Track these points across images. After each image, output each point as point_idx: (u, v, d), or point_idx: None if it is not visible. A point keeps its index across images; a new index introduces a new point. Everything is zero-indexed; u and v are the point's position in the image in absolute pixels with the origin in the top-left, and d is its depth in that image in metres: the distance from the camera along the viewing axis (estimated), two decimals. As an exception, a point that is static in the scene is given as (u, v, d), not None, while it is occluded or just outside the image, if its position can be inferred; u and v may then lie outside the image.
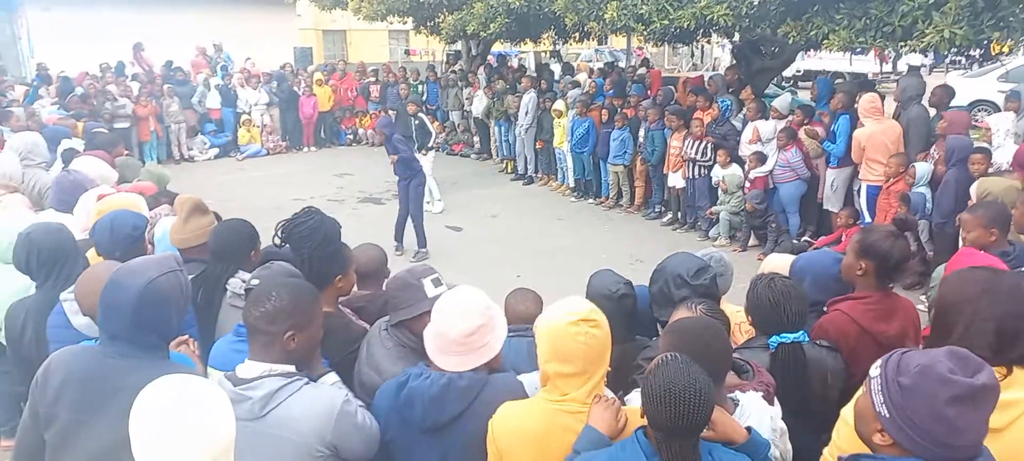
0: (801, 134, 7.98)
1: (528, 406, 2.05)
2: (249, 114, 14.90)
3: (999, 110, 10.58)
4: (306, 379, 2.08)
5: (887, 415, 1.54)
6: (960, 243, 3.87)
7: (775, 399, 2.17)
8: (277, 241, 2.87)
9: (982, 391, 1.46)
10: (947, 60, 22.89)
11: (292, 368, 2.06)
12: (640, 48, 19.55)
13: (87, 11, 17.83)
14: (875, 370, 1.60)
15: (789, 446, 2.19)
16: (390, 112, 14.29)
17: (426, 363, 2.19)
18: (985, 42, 6.12)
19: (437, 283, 2.47)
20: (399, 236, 8.35)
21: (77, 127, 9.03)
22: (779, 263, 3.15)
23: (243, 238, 3.06)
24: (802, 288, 2.54)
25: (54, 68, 15.01)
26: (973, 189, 5.32)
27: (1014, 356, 1.93)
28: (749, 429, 1.93)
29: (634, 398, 2.10)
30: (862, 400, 1.65)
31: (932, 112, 7.50)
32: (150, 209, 4.48)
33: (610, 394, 2.06)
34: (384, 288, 2.58)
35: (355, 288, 3.23)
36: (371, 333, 2.56)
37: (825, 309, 2.77)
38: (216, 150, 14.67)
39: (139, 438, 1.51)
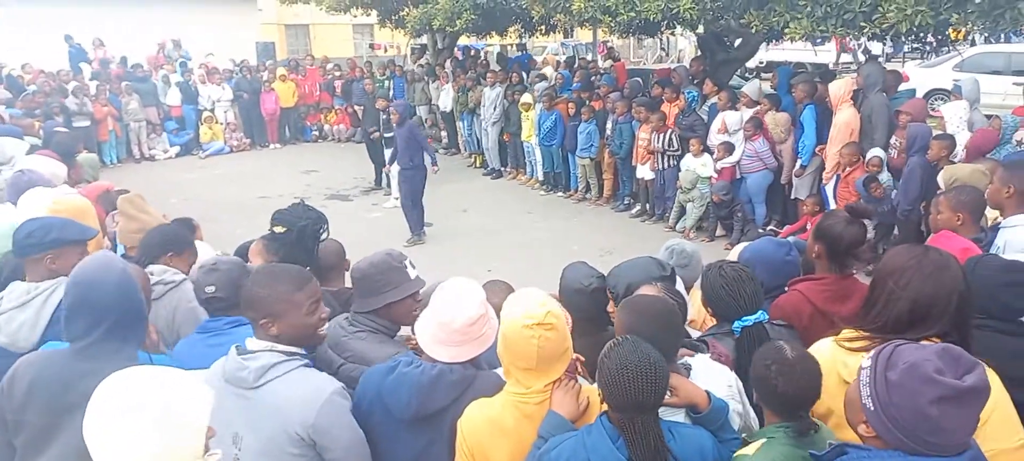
0: (768, 118, 8.06)
1: (493, 401, 2.07)
2: (212, 111, 14.62)
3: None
4: (306, 362, 2.08)
5: (871, 408, 1.54)
6: (930, 227, 3.95)
7: (728, 365, 2.23)
8: (277, 229, 3.01)
9: (969, 393, 1.46)
10: (904, 49, 23.39)
11: (296, 349, 2.08)
12: (604, 42, 19.58)
13: (44, 6, 17.31)
14: (866, 361, 1.60)
15: (751, 410, 2.22)
16: (356, 108, 14.19)
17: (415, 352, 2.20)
18: (945, 26, 6.22)
19: (412, 265, 2.53)
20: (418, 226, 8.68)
21: (34, 125, 8.77)
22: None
23: (170, 239, 3.11)
24: (751, 271, 2.58)
25: (11, 64, 14.58)
26: (940, 176, 5.42)
27: (924, 334, 1.91)
28: (708, 393, 1.97)
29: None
30: (851, 389, 1.66)
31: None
32: (108, 209, 4.38)
33: (579, 380, 2.09)
34: (359, 273, 2.51)
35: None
36: (333, 332, 2.48)
37: (786, 289, 2.84)
38: (177, 149, 14.37)
39: (93, 425, 1.47)
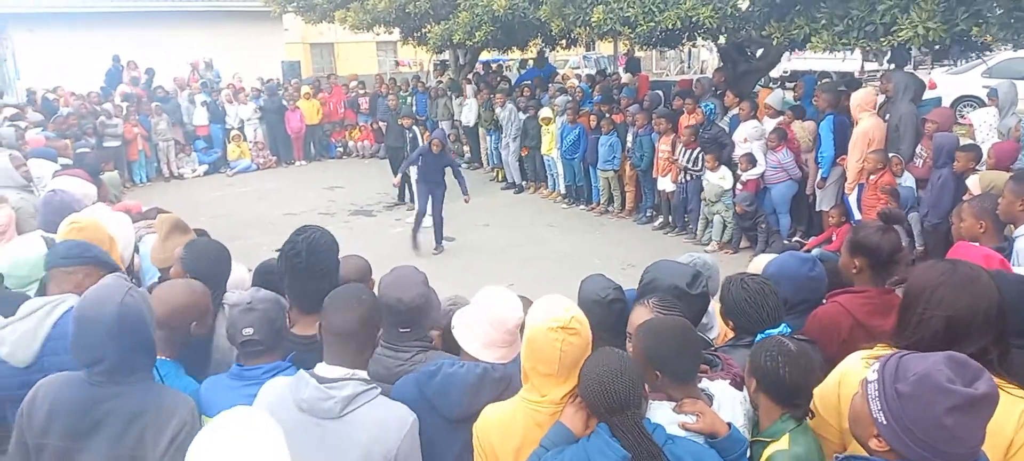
0: (795, 127, 8.00)
1: (509, 406, 2.10)
2: (240, 130, 14.87)
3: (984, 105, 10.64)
4: (380, 388, 2.10)
5: (884, 422, 1.52)
6: (953, 235, 3.89)
7: (743, 386, 2.22)
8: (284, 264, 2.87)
9: (982, 400, 1.45)
10: (929, 57, 23.03)
11: (366, 374, 2.10)
12: (624, 55, 19.54)
13: (72, 31, 17.79)
14: (872, 374, 1.59)
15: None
16: (381, 124, 14.33)
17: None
18: (964, 37, 6.15)
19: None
20: (416, 238, 8.98)
21: (67, 147, 8.99)
22: (762, 265, 3.15)
23: (221, 262, 2.97)
24: (772, 284, 2.56)
25: (41, 89, 14.99)
26: (973, 182, 5.33)
27: (964, 351, 1.83)
28: (730, 425, 1.98)
29: None
30: (858, 403, 1.64)
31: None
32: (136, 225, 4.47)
33: None
34: (409, 304, 2.50)
35: None
36: (385, 363, 2.49)
37: (825, 300, 2.79)
38: (205, 167, 14.63)
39: None
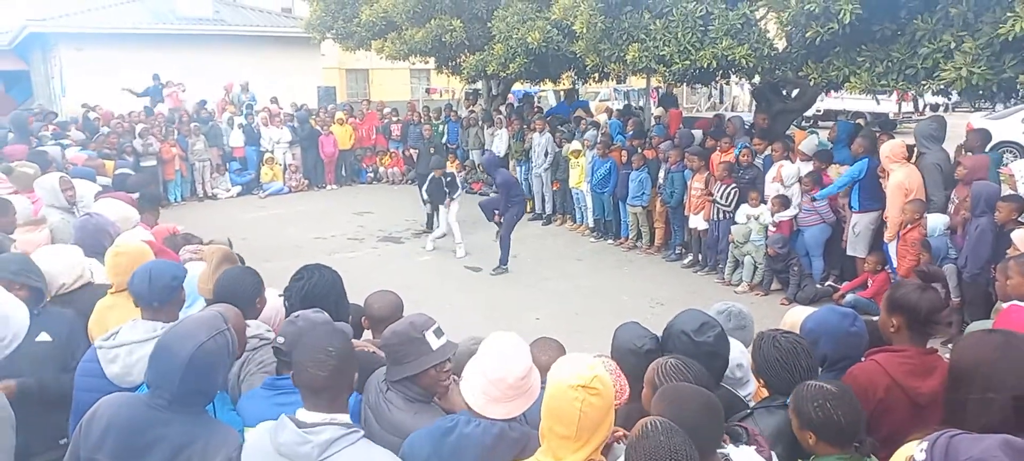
0: (831, 173, 7.90)
1: None
2: (272, 152, 15.11)
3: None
4: (362, 432, 2.09)
5: None
6: (994, 291, 3.77)
7: (771, 455, 2.15)
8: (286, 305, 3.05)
9: None
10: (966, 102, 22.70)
11: (348, 418, 2.08)
12: (656, 89, 19.54)
13: (117, 50, 18.35)
14: (920, 454, 1.53)
15: None
16: (411, 151, 14.47)
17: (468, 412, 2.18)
18: (1011, 85, 6.03)
19: (438, 333, 2.44)
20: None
21: (106, 167, 9.18)
22: (797, 319, 3.06)
23: (247, 286, 3.03)
24: (807, 342, 2.51)
25: (84, 106, 15.42)
26: (1018, 236, 5.17)
27: None
28: None
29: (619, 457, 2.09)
30: None
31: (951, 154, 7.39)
32: (177, 251, 4.53)
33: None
34: (384, 341, 2.49)
35: (370, 334, 3.31)
36: (369, 397, 2.49)
37: (862, 358, 2.71)
38: (239, 188, 14.87)
39: None
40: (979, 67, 5.76)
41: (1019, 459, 1.41)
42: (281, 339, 2.47)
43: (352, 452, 2.00)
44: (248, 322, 2.86)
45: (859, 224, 7.58)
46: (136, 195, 5.90)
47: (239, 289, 2.98)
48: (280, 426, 2.03)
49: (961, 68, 5.83)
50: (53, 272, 3.38)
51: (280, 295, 3.20)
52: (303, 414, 2.05)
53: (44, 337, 3.03)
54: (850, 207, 7.70)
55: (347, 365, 2.11)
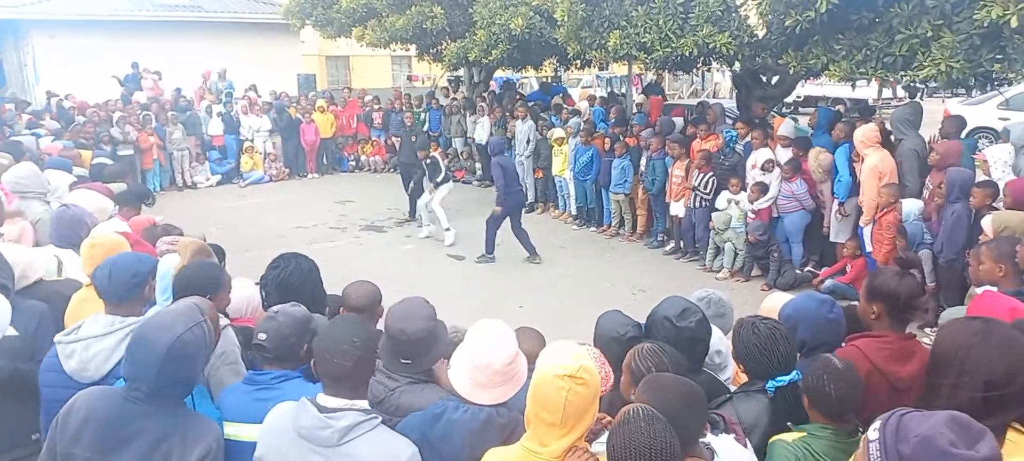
0: (810, 158, 7.95)
1: (508, 451, 2.07)
2: (252, 141, 14.97)
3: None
4: (380, 418, 2.11)
5: None
6: (969, 276, 3.83)
7: (747, 442, 2.20)
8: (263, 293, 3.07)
9: None
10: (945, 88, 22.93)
11: (367, 404, 2.12)
12: (638, 75, 19.57)
13: (92, 37, 17.99)
14: (873, 433, 1.57)
15: None
16: (393, 139, 14.41)
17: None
18: (988, 76, 6.12)
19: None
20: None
21: (82, 157, 9.03)
22: (776, 305, 3.10)
23: (203, 283, 2.92)
24: (786, 328, 2.54)
25: (60, 94, 15.15)
26: (986, 222, 5.26)
27: (1006, 418, 1.80)
28: None
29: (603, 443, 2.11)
30: None
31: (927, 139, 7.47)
32: (155, 242, 4.47)
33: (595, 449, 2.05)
34: (412, 335, 2.49)
35: None
36: (375, 390, 2.49)
37: (843, 344, 2.76)
38: (219, 177, 14.72)
39: None
40: (958, 62, 5.84)
41: (964, 434, 1.46)
42: (263, 335, 2.45)
43: (371, 437, 2.04)
44: None
45: (847, 206, 7.59)
46: (122, 189, 5.80)
47: (195, 286, 2.90)
48: (301, 410, 2.06)
49: (940, 63, 5.92)
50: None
51: (256, 283, 3.18)
52: (324, 399, 2.08)
53: (11, 332, 2.97)
54: (833, 193, 7.74)
55: (370, 355, 2.17)
